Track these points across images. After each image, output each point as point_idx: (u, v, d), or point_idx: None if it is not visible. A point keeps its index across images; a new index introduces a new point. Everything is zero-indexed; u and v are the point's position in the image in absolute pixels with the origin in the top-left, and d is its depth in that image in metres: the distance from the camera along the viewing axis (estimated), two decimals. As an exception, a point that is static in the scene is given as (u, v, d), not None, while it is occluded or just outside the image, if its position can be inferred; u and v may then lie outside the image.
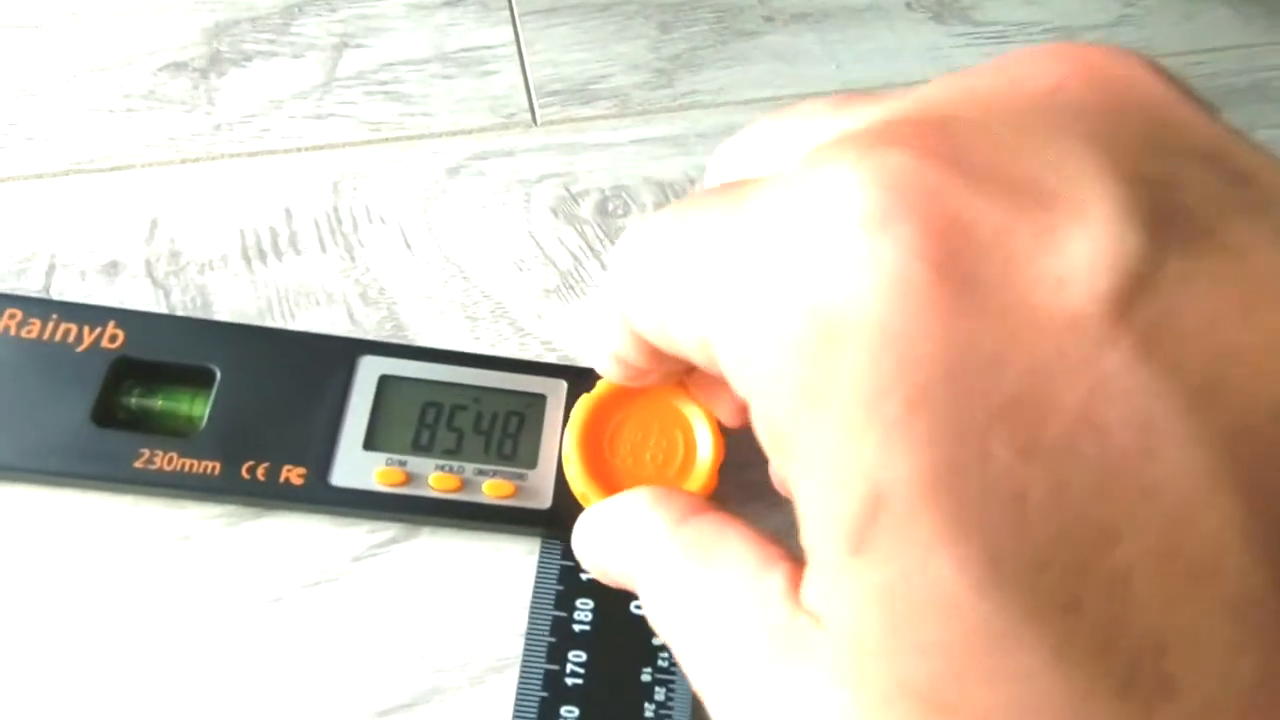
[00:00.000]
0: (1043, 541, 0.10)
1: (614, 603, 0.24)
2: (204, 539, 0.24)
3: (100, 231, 0.29)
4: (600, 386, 0.24)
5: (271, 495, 0.24)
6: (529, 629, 0.24)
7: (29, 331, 0.25)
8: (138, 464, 0.24)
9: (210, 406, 0.25)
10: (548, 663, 0.23)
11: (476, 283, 0.30)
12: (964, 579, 0.10)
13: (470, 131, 0.34)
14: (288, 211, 0.31)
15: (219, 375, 0.25)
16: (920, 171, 0.11)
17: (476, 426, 0.25)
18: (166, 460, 0.24)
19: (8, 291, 0.27)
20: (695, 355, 0.14)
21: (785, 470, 0.12)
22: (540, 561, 0.25)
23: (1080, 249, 0.10)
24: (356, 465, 0.24)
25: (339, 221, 0.31)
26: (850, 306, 0.11)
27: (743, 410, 0.21)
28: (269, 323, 0.28)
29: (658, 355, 0.17)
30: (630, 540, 0.16)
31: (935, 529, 0.10)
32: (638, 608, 0.24)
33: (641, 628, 0.23)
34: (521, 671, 0.23)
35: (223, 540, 0.24)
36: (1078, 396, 0.10)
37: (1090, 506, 0.10)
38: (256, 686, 0.22)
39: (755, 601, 0.13)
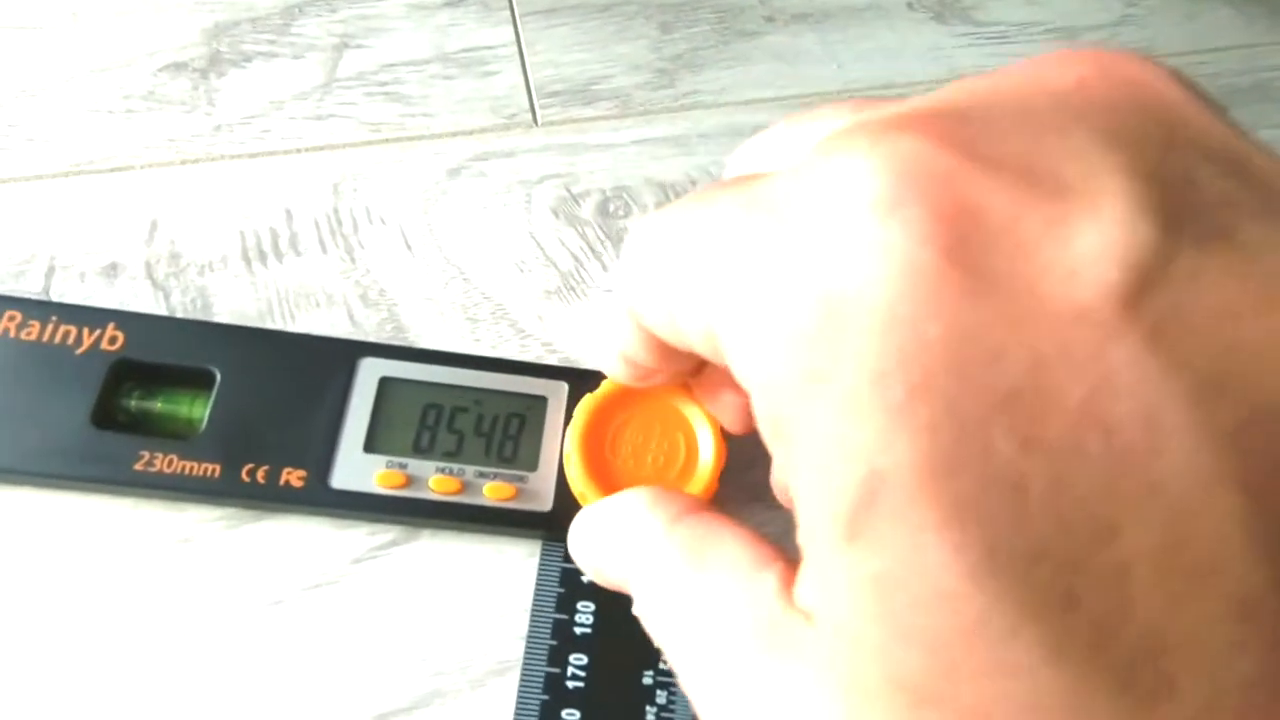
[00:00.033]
0: (1042, 534, 0.09)
1: (615, 606, 0.24)
2: (204, 541, 0.24)
3: (100, 233, 0.29)
4: (603, 388, 0.24)
5: (271, 498, 0.24)
6: (530, 632, 0.23)
7: (28, 333, 0.25)
8: (137, 466, 0.24)
9: (210, 408, 0.25)
10: (549, 666, 0.23)
11: (477, 284, 0.30)
12: (960, 568, 0.10)
13: (471, 132, 0.34)
14: (288, 213, 0.31)
15: (219, 377, 0.25)
16: (932, 157, 0.11)
17: (477, 428, 0.25)
18: (166, 462, 0.24)
19: (7, 293, 0.27)
20: (701, 346, 0.14)
21: (784, 458, 0.12)
22: (541, 564, 0.25)
23: (1092, 241, 0.10)
24: (357, 467, 0.24)
25: (339, 223, 0.31)
26: (857, 290, 0.10)
27: (746, 415, 0.21)
28: (269, 324, 0.28)
29: (666, 354, 0.17)
30: (626, 539, 0.16)
31: (933, 516, 0.10)
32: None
33: (643, 631, 0.23)
34: (522, 674, 0.23)
35: (223, 543, 0.24)
36: (1084, 389, 0.10)
37: (1092, 501, 0.09)
38: (256, 689, 0.22)
39: (747, 600, 0.13)
